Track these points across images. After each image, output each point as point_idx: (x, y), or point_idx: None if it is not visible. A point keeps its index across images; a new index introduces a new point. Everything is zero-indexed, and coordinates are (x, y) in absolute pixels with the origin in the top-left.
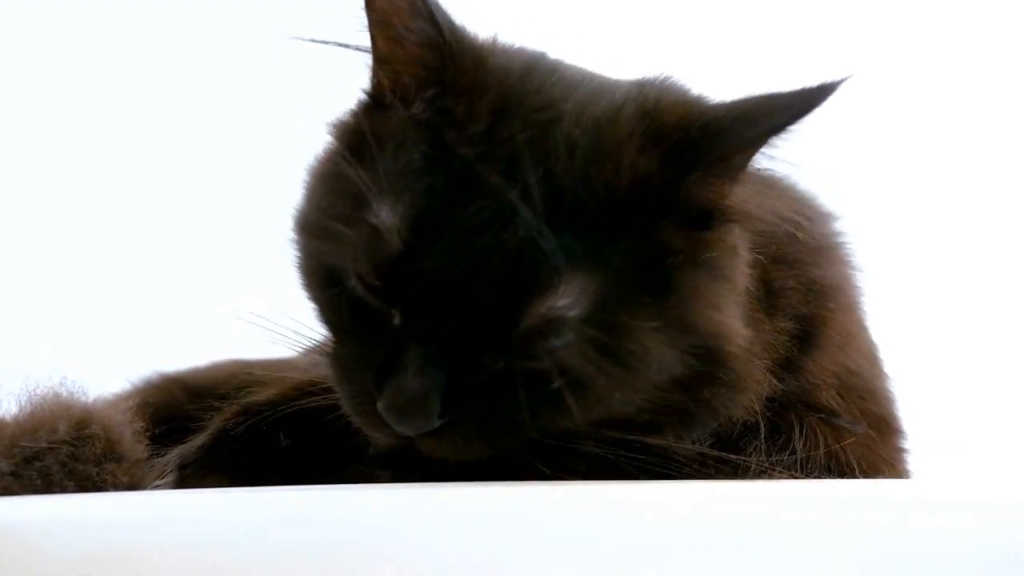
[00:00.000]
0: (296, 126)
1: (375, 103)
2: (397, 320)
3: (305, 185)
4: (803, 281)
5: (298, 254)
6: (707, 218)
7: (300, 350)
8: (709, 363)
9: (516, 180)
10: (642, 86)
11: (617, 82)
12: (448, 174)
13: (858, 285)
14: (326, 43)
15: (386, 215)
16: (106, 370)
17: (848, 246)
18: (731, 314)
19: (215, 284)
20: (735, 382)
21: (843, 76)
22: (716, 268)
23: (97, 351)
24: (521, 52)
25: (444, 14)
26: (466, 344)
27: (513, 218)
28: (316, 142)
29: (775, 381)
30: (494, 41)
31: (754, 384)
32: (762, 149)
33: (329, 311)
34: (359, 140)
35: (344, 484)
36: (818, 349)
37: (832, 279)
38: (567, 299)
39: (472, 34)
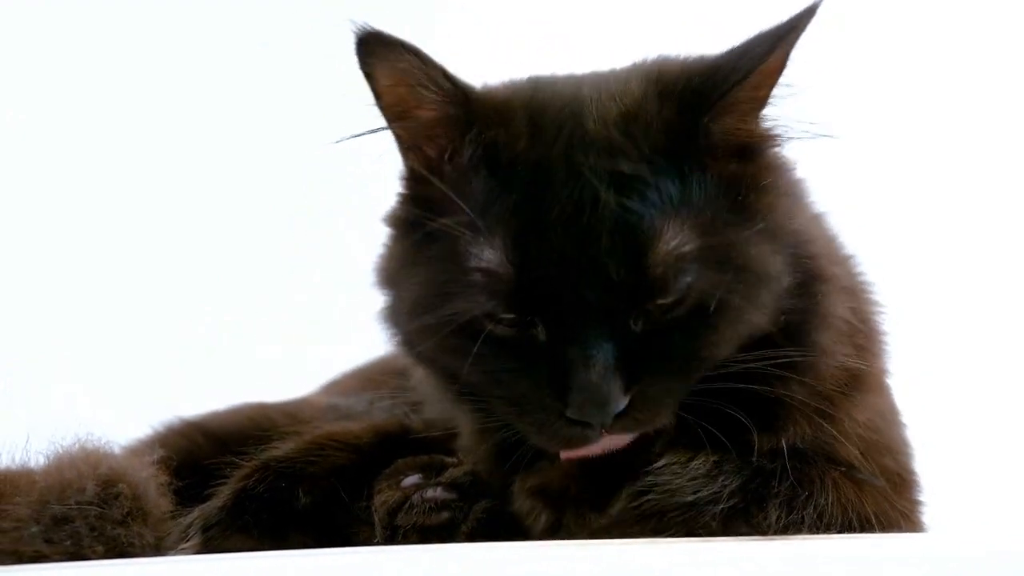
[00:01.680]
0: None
1: (417, 181)
2: (543, 335)
3: (387, 281)
4: (853, 318)
5: (410, 336)
6: (748, 150)
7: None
8: (804, 270)
9: (579, 165)
10: (638, 63)
11: (612, 69)
12: (519, 191)
13: (884, 329)
14: (358, 135)
15: (489, 255)
16: (131, 407)
17: (873, 286)
18: (805, 222)
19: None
20: (826, 294)
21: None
22: (778, 188)
23: (122, 392)
24: (513, 80)
25: (451, 72)
26: (612, 320)
27: (596, 197)
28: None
29: (808, 430)
30: (486, 85)
31: (835, 331)
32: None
33: (476, 365)
34: (419, 213)
35: (361, 543)
36: (857, 395)
37: (870, 320)
38: (676, 239)
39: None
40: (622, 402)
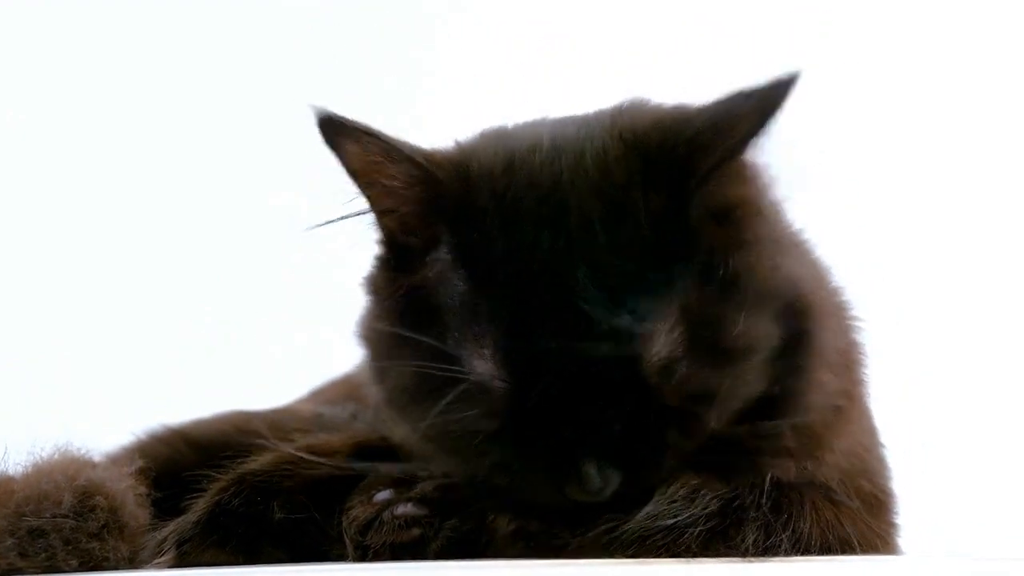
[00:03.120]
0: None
1: (392, 249)
2: (540, 444)
3: (368, 346)
4: (841, 347)
5: (400, 420)
6: (733, 211)
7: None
8: (797, 315)
9: (564, 275)
10: (615, 116)
11: (586, 127)
12: (504, 300)
13: (862, 341)
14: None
15: (480, 367)
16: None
17: (853, 307)
18: (790, 265)
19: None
20: (819, 330)
21: (797, 70)
22: (759, 240)
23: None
24: (496, 138)
25: (416, 149)
26: (607, 428)
27: (586, 314)
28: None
29: (792, 468)
30: (465, 145)
31: (833, 356)
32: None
33: (469, 464)
34: (407, 305)
35: (337, 559)
36: (841, 426)
37: (853, 347)
38: (668, 346)
39: (447, 150)
40: (615, 484)
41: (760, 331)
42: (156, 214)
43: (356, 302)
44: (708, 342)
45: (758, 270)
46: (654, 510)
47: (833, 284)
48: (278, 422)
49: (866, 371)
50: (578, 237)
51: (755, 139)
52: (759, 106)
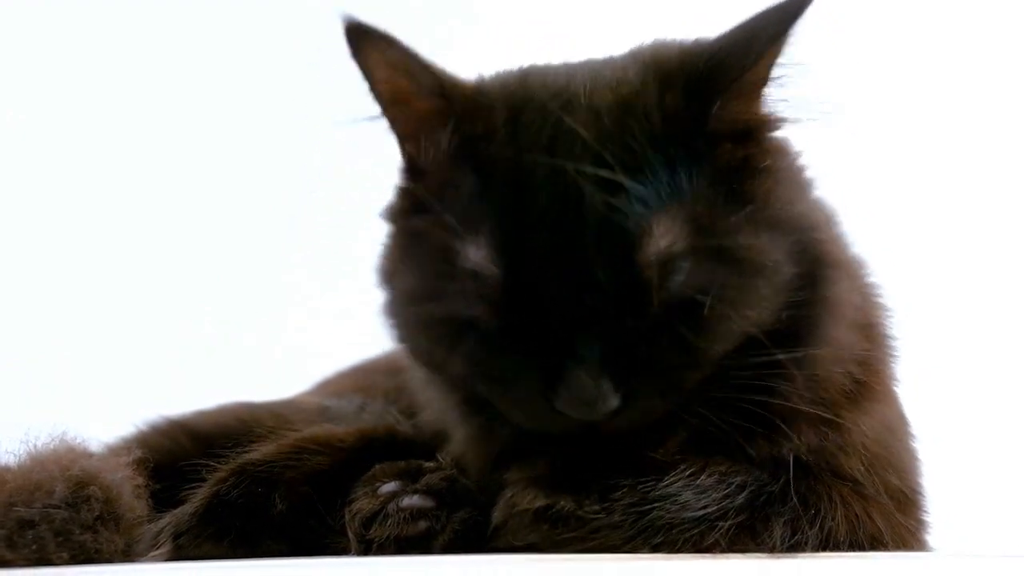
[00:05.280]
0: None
1: (413, 174)
2: (535, 336)
3: (385, 277)
4: (862, 316)
5: (405, 331)
6: (748, 133)
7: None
8: (809, 257)
9: (563, 161)
10: (635, 50)
11: (609, 57)
12: (501, 189)
13: (892, 334)
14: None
15: (474, 254)
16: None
17: (881, 289)
18: (808, 207)
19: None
20: (834, 280)
21: None
22: (777, 171)
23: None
24: (505, 71)
25: (436, 65)
26: (602, 321)
27: (580, 196)
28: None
29: (813, 439)
30: (480, 76)
31: (844, 324)
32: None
33: (465, 363)
34: (413, 206)
35: (339, 552)
36: (864, 403)
37: (878, 324)
38: (666, 238)
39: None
40: (613, 401)
41: (771, 252)
42: (155, 208)
43: (357, 296)
44: (715, 250)
45: (772, 199)
46: (681, 496)
47: (857, 263)
48: (282, 414)
49: (894, 357)
50: (584, 126)
51: (776, 46)
52: (777, 16)
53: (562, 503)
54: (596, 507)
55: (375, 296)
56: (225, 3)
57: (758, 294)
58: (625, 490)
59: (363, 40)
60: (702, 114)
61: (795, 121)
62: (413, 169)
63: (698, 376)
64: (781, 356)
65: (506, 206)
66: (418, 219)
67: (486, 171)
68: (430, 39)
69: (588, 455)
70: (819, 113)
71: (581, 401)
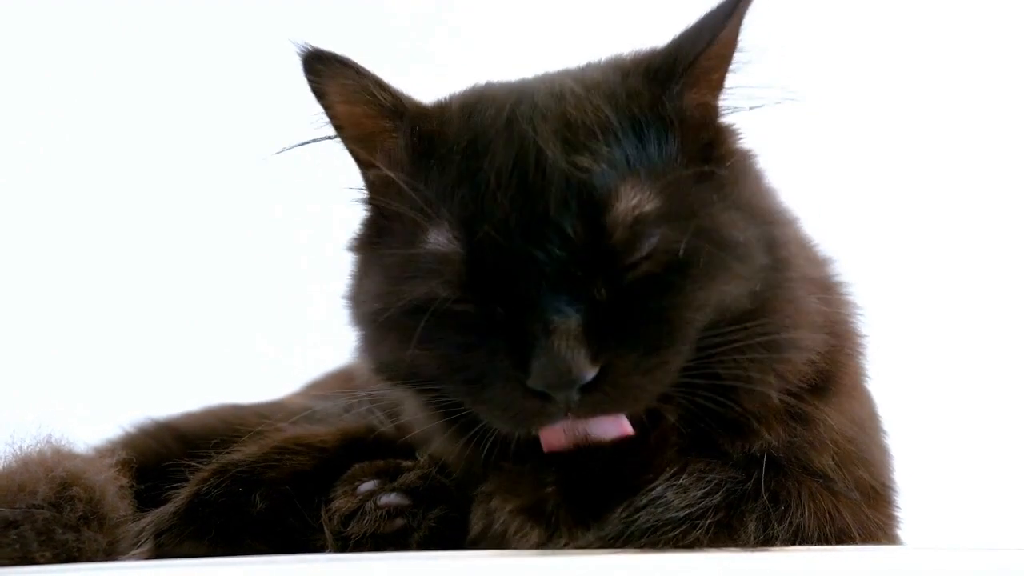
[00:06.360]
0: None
1: (373, 194)
2: (502, 310)
3: (352, 296)
4: (827, 314)
5: (376, 331)
6: (712, 120)
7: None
8: (773, 255)
9: (521, 129)
10: (592, 61)
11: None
12: (458, 168)
13: (862, 331)
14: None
15: (435, 237)
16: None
17: (850, 288)
18: (774, 205)
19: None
20: (794, 280)
21: None
22: (743, 162)
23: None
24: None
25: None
26: (573, 285)
27: (540, 157)
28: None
29: (783, 434)
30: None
31: (808, 318)
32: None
33: (436, 362)
34: (380, 230)
35: (318, 550)
36: (831, 397)
37: (845, 321)
38: (635, 198)
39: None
40: (589, 372)
41: (743, 229)
42: (143, 210)
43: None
44: (686, 216)
45: (741, 186)
46: (664, 496)
47: (824, 262)
48: (267, 415)
49: (862, 353)
50: (543, 103)
51: (727, 30)
52: (728, 4)
53: (558, 536)
54: (591, 536)
55: None
56: (230, 6)
57: (729, 265)
58: (618, 515)
59: (318, 64)
60: (662, 95)
61: (757, 107)
62: (374, 188)
63: (675, 354)
64: (752, 341)
65: (464, 182)
66: (382, 227)
67: (444, 159)
68: (413, 55)
69: (579, 477)
70: (781, 99)
71: (555, 370)
